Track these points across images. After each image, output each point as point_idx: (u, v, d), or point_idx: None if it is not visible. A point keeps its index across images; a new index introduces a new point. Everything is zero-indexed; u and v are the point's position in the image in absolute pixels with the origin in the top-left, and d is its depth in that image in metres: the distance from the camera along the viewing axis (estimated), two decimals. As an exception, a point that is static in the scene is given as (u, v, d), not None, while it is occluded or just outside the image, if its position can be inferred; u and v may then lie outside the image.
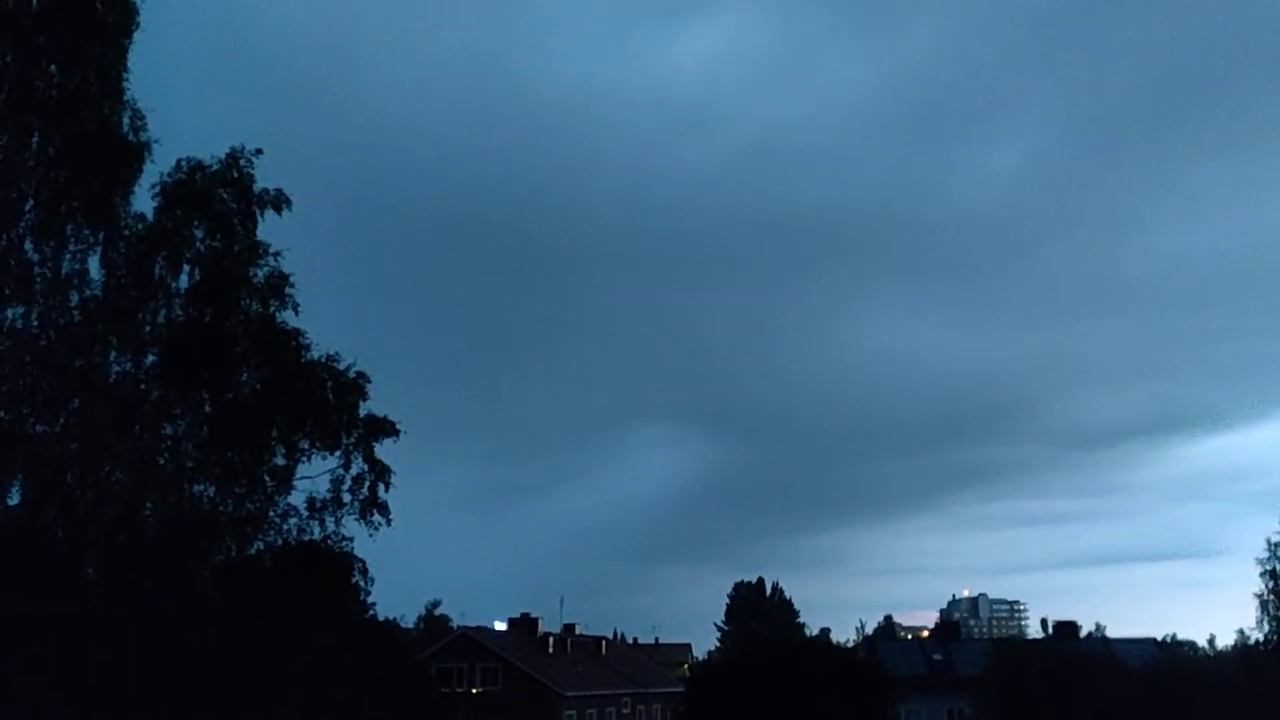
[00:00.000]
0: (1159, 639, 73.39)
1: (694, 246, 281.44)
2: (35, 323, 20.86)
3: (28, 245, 20.97)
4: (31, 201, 20.92)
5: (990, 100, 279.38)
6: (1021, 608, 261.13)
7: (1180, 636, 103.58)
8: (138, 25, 22.17)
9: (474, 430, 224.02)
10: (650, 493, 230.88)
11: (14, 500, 20.70)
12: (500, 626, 72.86)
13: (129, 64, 22.10)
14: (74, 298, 21.54)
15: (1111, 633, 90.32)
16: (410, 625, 72.27)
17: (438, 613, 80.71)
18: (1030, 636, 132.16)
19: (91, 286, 21.84)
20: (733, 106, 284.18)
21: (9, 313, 20.72)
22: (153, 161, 22.46)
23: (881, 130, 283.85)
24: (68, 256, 21.36)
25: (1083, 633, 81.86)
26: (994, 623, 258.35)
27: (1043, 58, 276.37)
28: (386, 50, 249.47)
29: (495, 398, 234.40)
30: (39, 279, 21.03)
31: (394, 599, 68.31)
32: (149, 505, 22.08)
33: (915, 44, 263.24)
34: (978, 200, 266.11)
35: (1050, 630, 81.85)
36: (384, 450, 25.33)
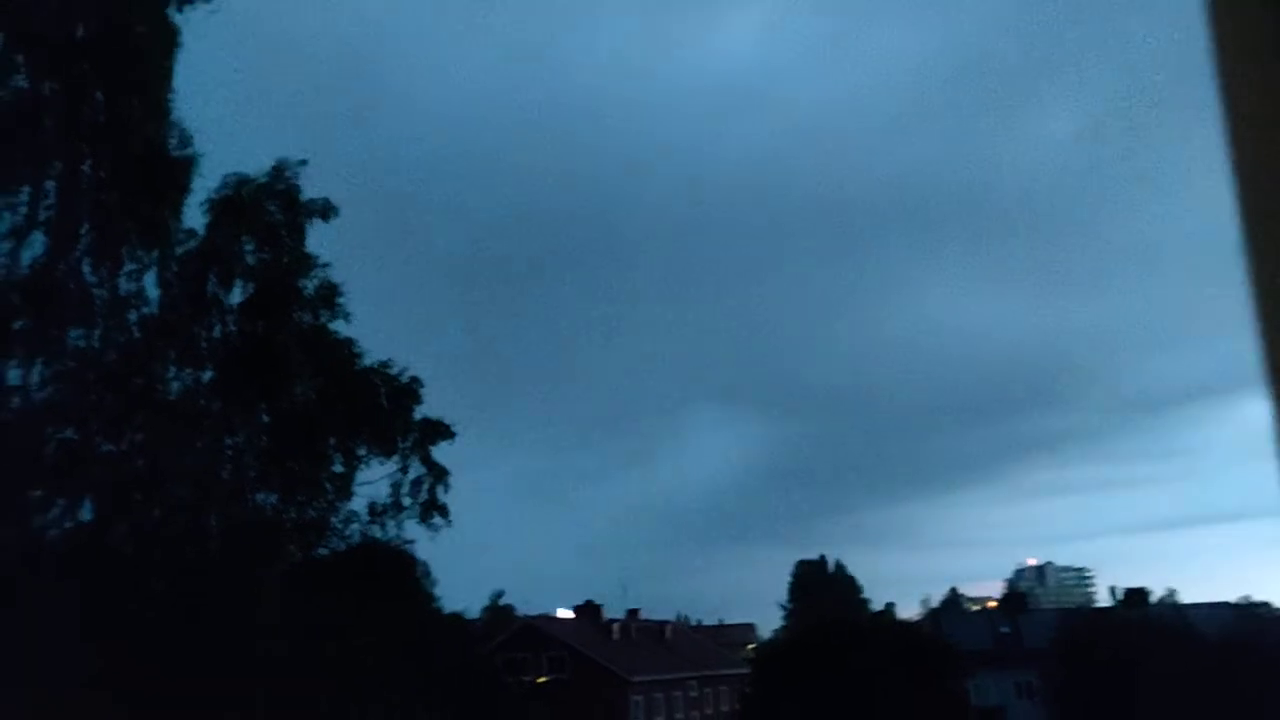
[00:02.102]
0: (1234, 603, 72.02)
1: (747, 226, 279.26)
2: (97, 344, 21.27)
3: (85, 267, 21.37)
4: (87, 225, 21.29)
5: (1049, 61, 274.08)
6: (1089, 575, 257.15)
7: (1256, 598, 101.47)
8: (179, 45, 22.46)
9: (534, 419, 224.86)
10: (710, 474, 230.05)
11: (86, 515, 21.20)
12: (563, 614, 73.20)
13: (173, 84, 22.44)
14: (132, 317, 21.92)
15: (1184, 598, 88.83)
16: (475, 616, 72.88)
17: (502, 603, 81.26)
18: (1099, 604, 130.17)
19: (149, 305, 22.24)
20: (783, 83, 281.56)
21: (71, 334, 21.15)
22: (201, 177, 22.84)
23: (936, 100, 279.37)
24: (124, 277, 21.75)
25: (1153, 599, 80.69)
26: (1061, 591, 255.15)
27: (1102, 12, 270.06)
28: (428, 43, 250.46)
29: (554, 385, 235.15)
30: (98, 300, 21.44)
31: (458, 590, 68.96)
32: (213, 518, 22.51)
33: (969, 8, 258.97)
34: (1038, 164, 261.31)
35: (1120, 598, 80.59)
36: (442, 449, 25.66)
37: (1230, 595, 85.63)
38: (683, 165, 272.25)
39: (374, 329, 24.98)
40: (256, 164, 24.22)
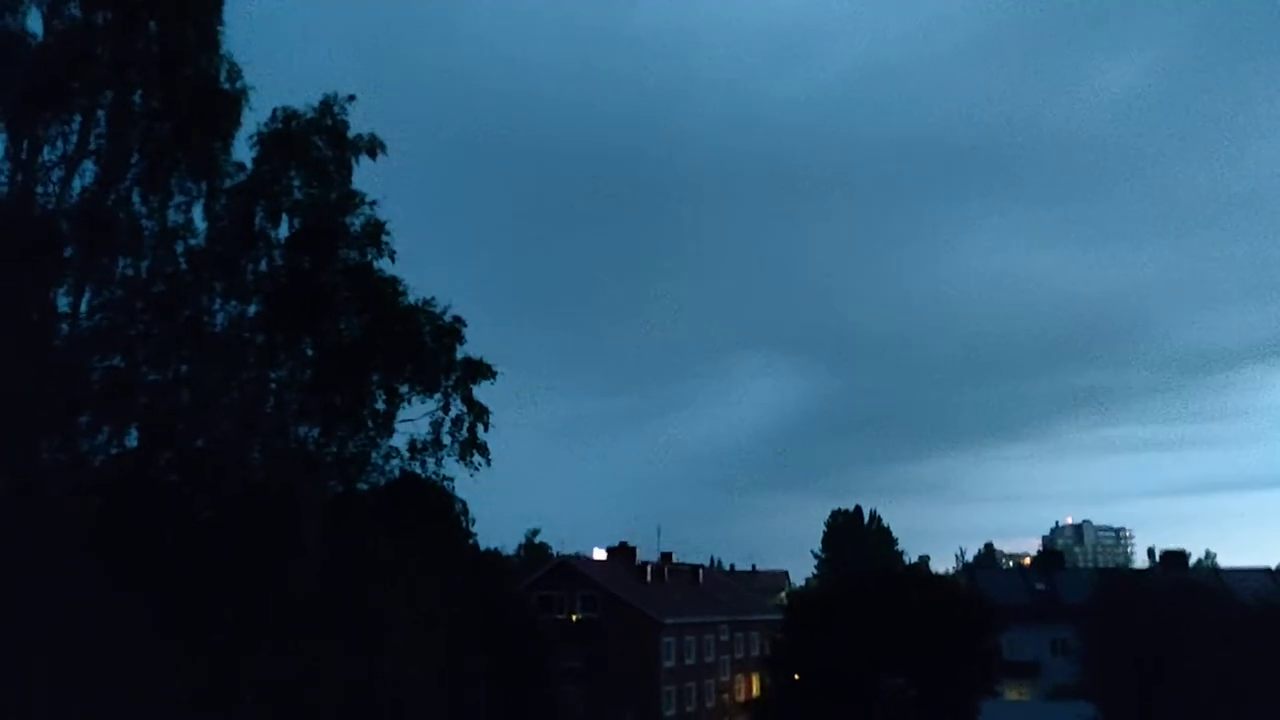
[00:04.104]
0: (1273, 568, 71.46)
1: (795, 173, 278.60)
2: (145, 274, 21.47)
3: (135, 197, 21.52)
4: (137, 156, 21.40)
5: (1110, 14, 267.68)
6: (1128, 535, 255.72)
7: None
8: (232, -24, 22.37)
9: (577, 362, 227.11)
10: (749, 421, 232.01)
11: (131, 443, 21.56)
12: (598, 554, 74.12)
13: (224, 16, 22.37)
14: (180, 248, 22.09)
15: (1223, 561, 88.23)
16: (511, 553, 74.05)
17: (537, 541, 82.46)
18: (1136, 565, 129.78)
19: (196, 237, 22.38)
20: (838, 28, 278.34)
21: (120, 263, 21.36)
22: (250, 110, 22.83)
23: (995, 48, 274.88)
24: (172, 208, 21.87)
25: (1192, 561, 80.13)
26: (1098, 550, 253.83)
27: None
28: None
29: (599, 330, 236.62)
30: (147, 231, 21.61)
31: (495, 528, 69.97)
32: (256, 450, 22.82)
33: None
34: (1097, 117, 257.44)
35: (1158, 559, 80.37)
36: (483, 389, 25.78)
37: (1270, 561, 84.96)
38: (736, 109, 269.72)
39: (419, 266, 25.02)
40: (308, 98, 24.19)
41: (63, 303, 20.47)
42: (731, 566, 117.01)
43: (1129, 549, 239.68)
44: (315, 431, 24.13)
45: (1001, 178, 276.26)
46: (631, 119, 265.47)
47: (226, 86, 22.37)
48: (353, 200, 23.99)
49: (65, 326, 20.40)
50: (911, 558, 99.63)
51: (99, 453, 20.81)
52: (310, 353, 24.11)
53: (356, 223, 24.04)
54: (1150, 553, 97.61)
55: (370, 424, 24.24)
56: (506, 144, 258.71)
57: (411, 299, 24.74)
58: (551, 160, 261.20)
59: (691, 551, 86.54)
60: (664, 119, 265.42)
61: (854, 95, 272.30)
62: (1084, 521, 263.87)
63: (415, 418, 24.98)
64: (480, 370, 25.44)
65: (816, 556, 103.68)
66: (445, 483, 25.28)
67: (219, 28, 22.11)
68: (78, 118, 20.60)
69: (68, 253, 20.46)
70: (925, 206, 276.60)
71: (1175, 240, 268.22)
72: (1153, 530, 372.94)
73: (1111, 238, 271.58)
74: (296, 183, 23.69)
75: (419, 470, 24.80)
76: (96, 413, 20.54)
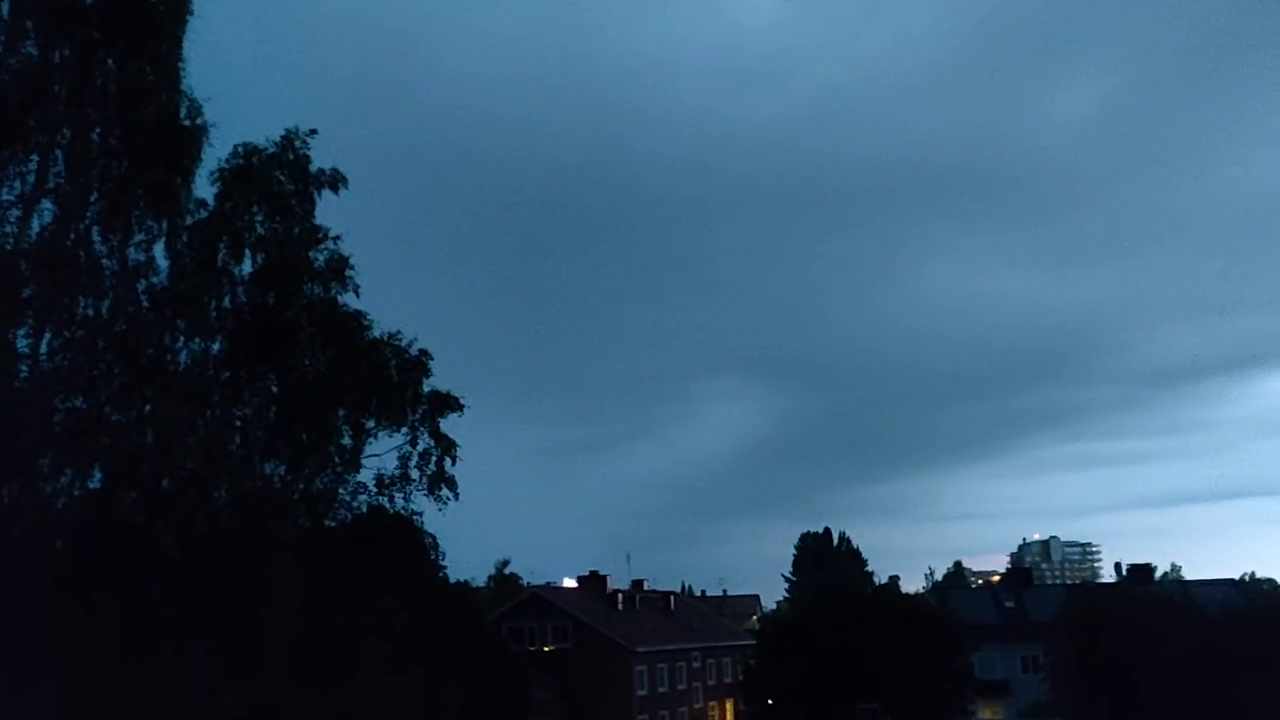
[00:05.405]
0: (1237, 579, 72.31)
1: (762, 197, 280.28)
2: (106, 313, 21.22)
3: (95, 236, 21.28)
4: (96, 194, 21.19)
5: (1066, 41, 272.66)
6: (1094, 550, 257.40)
7: (1260, 575, 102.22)
8: (191, 13, 22.26)
9: (545, 391, 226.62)
10: (718, 446, 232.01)
11: (95, 483, 21.24)
12: (569, 583, 73.72)
13: (184, 52, 22.25)
14: (141, 286, 21.85)
15: (1189, 574, 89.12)
16: (481, 584, 73.53)
17: (507, 571, 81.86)
18: (1104, 579, 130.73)
19: (158, 275, 22.15)
20: (802, 55, 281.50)
21: (80, 303, 21.10)
22: (211, 146, 22.70)
23: (953, 72, 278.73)
24: (133, 246, 21.64)
25: (1158, 574, 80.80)
26: (1066, 566, 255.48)
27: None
28: (461, 6, 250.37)
29: (567, 358, 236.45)
30: (107, 269, 21.36)
31: (464, 559, 69.39)
32: (223, 489, 22.57)
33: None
34: (1052, 141, 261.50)
35: (1124, 573, 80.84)
36: (450, 421, 25.66)
37: (1235, 572, 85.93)
38: (701, 132, 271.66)
39: (385, 299, 24.95)
40: (269, 133, 24.14)
41: (23, 343, 20.14)
42: (703, 592, 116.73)
43: (1096, 564, 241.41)
44: (281, 468, 23.92)
45: (967, 198, 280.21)
46: (598, 144, 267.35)
47: (187, 123, 22.23)
48: (316, 235, 23.94)
49: (25, 367, 20.10)
50: (881, 578, 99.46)
51: (62, 494, 20.47)
52: (275, 389, 23.95)
53: (320, 257, 23.99)
54: (1117, 567, 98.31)
55: (337, 460, 24.09)
56: (467, 169, 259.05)
57: (377, 332, 24.67)
58: (521, 188, 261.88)
59: (663, 577, 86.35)
60: (630, 144, 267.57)
61: (815, 124, 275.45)
62: (1051, 537, 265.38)
63: (382, 452, 24.90)
64: (447, 403, 25.38)
65: (787, 579, 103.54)
66: (414, 517, 25.14)
67: (179, 64, 22.00)
68: (35, 156, 20.34)
69: (27, 293, 20.17)
70: (892, 227, 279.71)
71: (1137, 258, 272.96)
72: (1119, 544, 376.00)
73: (1075, 256, 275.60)
74: (259, 218, 23.61)
75: (387, 505, 24.65)
76: (59, 454, 20.21)
